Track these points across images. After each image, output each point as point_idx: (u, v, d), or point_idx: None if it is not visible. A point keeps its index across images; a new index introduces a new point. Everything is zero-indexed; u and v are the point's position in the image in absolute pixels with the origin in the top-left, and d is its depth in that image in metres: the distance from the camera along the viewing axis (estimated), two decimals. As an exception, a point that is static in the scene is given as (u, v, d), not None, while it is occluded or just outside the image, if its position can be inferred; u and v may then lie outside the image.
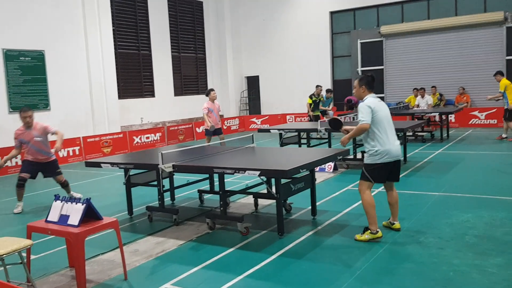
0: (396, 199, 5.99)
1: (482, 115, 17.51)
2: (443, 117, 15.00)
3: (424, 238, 5.68)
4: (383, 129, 5.64)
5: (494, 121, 17.12)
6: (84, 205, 4.63)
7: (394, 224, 6.05)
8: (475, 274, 4.58)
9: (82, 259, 4.54)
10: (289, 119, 21.61)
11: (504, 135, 13.82)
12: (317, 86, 16.77)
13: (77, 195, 9.12)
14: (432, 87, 18.50)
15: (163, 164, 6.30)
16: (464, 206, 7.03)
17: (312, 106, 16.45)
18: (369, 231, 5.72)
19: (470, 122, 17.77)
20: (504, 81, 13.54)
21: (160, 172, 6.71)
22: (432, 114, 15.00)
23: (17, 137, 8.58)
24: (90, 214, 4.74)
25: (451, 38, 18.95)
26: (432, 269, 4.77)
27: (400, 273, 4.74)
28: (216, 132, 12.63)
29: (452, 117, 17.47)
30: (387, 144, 5.63)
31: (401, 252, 5.33)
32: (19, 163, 13.26)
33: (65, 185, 9.04)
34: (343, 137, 5.96)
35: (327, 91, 17.21)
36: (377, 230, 5.70)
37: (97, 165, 7.32)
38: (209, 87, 23.17)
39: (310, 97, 16.49)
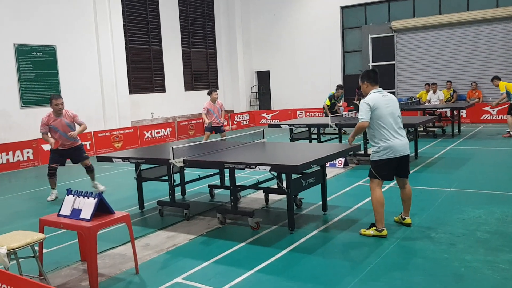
0: (409, 195, 5.95)
1: (493, 110, 17.33)
2: (455, 112, 14.90)
3: (436, 234, 5.66)
4: (386, 125, 5.60)
5: (506, 117, 16.94)
6: (96, 199, 4.66)
7: (405, 219, 6.04)
8: (487, 270, 4.55)
9: (94, 253, 4.57)
10: (299, 114, 21.57)
11: None
12: (339, 88, 16.27)
13: (101, 186, 9.21)
14: (448, 81, 18.33)
15: (174, 159, 6.32)
16: (476, 202, 6.98)
17: (329, 106, 16.13)
18: (375, 228, 5.72)
19: (481, 118, 17.61)
20: (502, 83, 13.78)
21: (171, 167, 6.73)
22: (444, 110, 14.89)
23: (48, 123, 8.67)
24: (102, 208, 4.76)
25: (463, 33, 18.78)
26: (443, 265, 4.75)
27: (411, 269, 4.72)
28: (217, 130, 12.77)
29: (463, 113, 17.33)
30: (390, 140, 5.58)
31: (412, 247, 5.31)
32: (31, 157, 13.39)
33: (90, 170, 9.19)
34: (349, 136, 6.24)
35: (338, 87, 16.88)
36: (383, 228, 5.69)
37: (109, 159, 7.35)
38: (219, 82, 23.21)
39: (330, 99, 16.07)
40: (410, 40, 19.91)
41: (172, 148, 6.39)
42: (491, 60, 18.31)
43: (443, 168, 9.68)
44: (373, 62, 20.55)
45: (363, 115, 5.61)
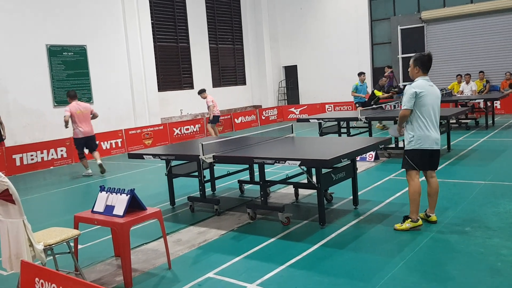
0: (436, 190, 5.76)
1: (529, 100, 16.87)
2: (488, 103, 14.55)
3: (470, 228, 5.54)
4: (426, 114, 5.45)
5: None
6: (129, 195, 4.72)
7: (430, 216, 5.84)
8: (525, 265, 4.45)
9: (127, 249, 4.64)
10: (328, 108, 21.41)
11: None
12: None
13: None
14: (480, 72, 17.91)
15: (203, 155, 6.35)
16: (512, 195, 6.82)
17: (378, 97, 15.59)
18: (410, 219, 5.60)
19: (516, 108, 17.17)
20: None
21: (201, 163, 6.77)
22: (477, 101, 14.57)
23: None
24: (134, 205, 4.82)
25: (495, 22, 18.30)
26: (479, 259, 4.65)
27: (446, 263, 4.64)
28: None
29: (497, 104, 16.91)
30: (424, 130, 5.45)
31: (446, 242, 5.22)
32: (65, 155, 13.67)
33: None
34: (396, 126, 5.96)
35: (360, 74, 15.72)
36: (418, 218, 5.60)
37: (140, 156, 7.45)
38: (247, 77, 23.34)
39: (378, 90, 15.60)
40: (441, 31, 19.52)
41: (202, 144, 6.43)
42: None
43: (477, 161, 9.48)
44: (402, 54, 20.24)
45: (407, 103, 5.43)
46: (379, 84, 15.63)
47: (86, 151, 11.44)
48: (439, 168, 5.91)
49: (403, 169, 5.75)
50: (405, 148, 5.67)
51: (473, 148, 10.84)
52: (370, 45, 21.61)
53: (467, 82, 16.48)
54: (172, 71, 19.66)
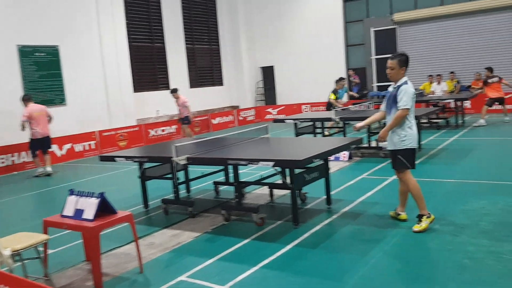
0: (409, 189, 5.82)
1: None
2: (458, 103, 14.81)
3: (439, 226, 5.64)
4: (413, 114, 5.58)
5: (511, 106, 16.84)
6: (98, 199, 4.68)
7: (400, 215, 5.93)
8: (491, 261, 4.54)
9: (97, 253, 4.60)
10: (304, 108, 21.53)
11: None
12: (340, 80, 15.68)
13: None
14: (451, 72, 18.23)
15: (177, 156, 6.32)
16: (479, 192, 6.96)
17: (336, 100, 15.66)
18: (425, 216, 5.57)
19: (487, 108, 17.47)
20: None
21: (174, 165, 6.74)
22: (447, 101, 14.81)
23: None
24: (105, 208, 4.78)
25: (466, 23, 18.65)
26: (446, 257, 4.74)
27: (415, 261, 4.72)
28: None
29: (467, 103, 17.23)
30: (413, 129, 5.57)
31: (415, 239, 5.30)
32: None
33: None
34: (382, 131, 5.72)
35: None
36: (429, 212, 5.59)
37: (111, 159, 7.37)
38: (224, 78, 23.30)
39: (334, 92, 15.61)
40: (412, 32, 19.79)
41: (175, 146, 6.40)
42: (495, 50, 18.15)
43: (447, 159, 9.65)
44: (376, 55, 20.47)
45: (409, 102, 5.43)
46: (335, 88, 15.52)
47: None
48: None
49: (395, 170, 5.75)
50: (397, 148, 5.63)
51: (443, 147, 11.03)
52: (344, 46, 21.78)
53: (438, 82, 16.75)
54: (148, 72, 19.49)
